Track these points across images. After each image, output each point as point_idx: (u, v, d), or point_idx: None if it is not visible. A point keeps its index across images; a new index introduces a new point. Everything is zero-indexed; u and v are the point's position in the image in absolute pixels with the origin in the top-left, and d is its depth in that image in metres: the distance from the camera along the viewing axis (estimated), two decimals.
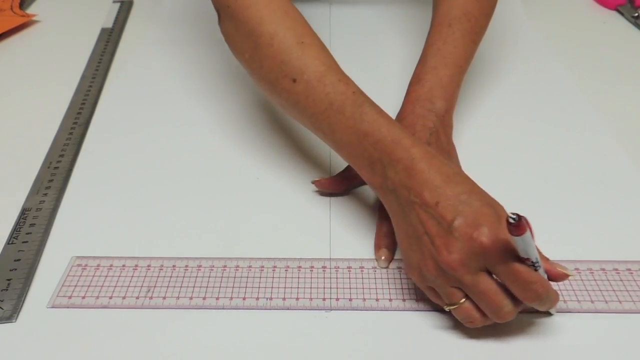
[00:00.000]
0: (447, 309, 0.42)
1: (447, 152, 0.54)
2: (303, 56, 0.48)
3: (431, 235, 0.41)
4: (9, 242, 0.51)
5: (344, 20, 0.84)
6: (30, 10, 0.87)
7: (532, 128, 0.64)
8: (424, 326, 0.44)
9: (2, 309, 0.45)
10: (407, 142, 0.44)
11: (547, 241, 0.51)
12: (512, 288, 0.40)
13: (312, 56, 0.48)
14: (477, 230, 0.39)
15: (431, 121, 0.55)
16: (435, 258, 0.41)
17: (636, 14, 0.84)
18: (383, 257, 0.49)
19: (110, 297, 0.46)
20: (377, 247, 0.50)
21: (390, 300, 0.46)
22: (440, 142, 0.54)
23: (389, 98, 0.67)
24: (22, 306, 0.46)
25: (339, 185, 0.55)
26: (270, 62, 0.49)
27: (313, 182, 0.55)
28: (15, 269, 0.48)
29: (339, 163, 0.57)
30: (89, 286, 0.47)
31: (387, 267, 0.49)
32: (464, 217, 0.40)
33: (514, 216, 0.36)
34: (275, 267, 0.49)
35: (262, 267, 0.49)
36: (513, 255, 0.39)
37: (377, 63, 0.76)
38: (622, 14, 0.86)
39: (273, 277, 0.48)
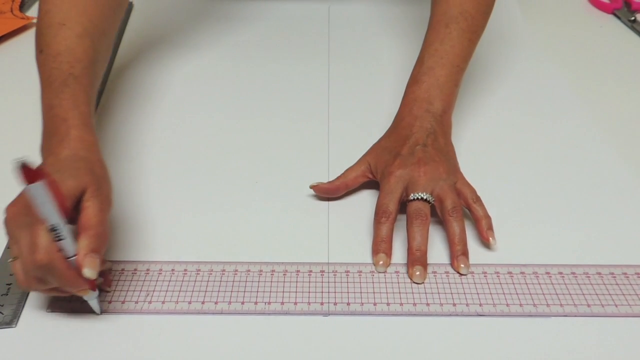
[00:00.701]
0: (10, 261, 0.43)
1: (445, 153, 0.54)
2: (55, 35, 0.52)
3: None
4: (9, 246, 0.51)
5: (342, 20, 0.84)
6: (31, 12, 0.87)
7: (528, 131, 0.64)
8: (422, 330, 0.45)
9: (2, 313, 0.45)
10: (72, 123, 0.47)
11: (544, 245, 0.52)
12: None
13: (62, 36, 0.52)
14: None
15: (428, 122, 0.55)
16: None
17: (633, 18, 0.84)
18: (381, 262, 0.49)
19: (109, 302, 0.46)
20: (375, 252, 0.50)
21: (388, 304, 0.46)
22: (438, 143, 0.55)
23: (387, 99, 0.68)
24: (22, 311, 0.46)
25: (337, 189, 0.55)
26: (36, 34, 0.54)
27: (311, 187, 0.55)
28: None
29: (337, 167, 0.57)
30: None
31: (384, 272, 0.49)
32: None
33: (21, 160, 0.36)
34: (273, 271, 0.49)
35: (261, 271, 0.49)
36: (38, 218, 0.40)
37: (376, 63, 0.76)
38: (618, 17, 0.86)
39: (271, 282, 0.48)
